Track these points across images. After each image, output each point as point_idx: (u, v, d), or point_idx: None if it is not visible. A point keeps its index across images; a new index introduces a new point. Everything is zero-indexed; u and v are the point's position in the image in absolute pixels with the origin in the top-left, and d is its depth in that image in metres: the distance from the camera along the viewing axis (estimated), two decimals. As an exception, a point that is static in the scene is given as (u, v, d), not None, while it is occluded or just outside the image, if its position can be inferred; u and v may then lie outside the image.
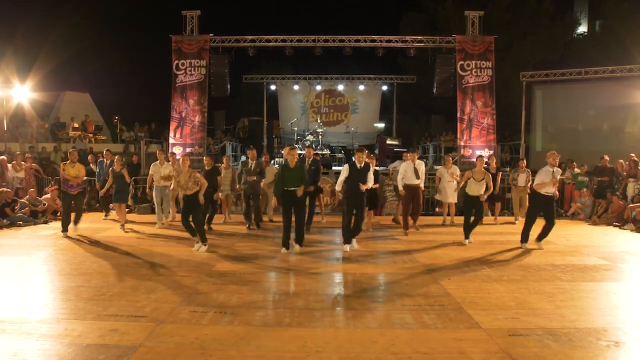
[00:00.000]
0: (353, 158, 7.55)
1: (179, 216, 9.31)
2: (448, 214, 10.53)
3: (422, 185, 9.09)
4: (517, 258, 6.93)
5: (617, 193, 10.78)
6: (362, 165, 7.36)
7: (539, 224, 7.58)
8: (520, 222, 10.57)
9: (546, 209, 7.52)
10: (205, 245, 7.37)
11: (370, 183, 7.58)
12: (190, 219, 7.47)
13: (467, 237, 8.04)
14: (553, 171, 7.39)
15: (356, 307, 4.70)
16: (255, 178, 9.45)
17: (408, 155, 9.34)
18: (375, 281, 5.79)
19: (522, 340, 3.86)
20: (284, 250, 7.28)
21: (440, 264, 6.53)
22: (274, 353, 3.62)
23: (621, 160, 11.31)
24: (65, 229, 8.63)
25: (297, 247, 7.35)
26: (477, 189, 7.96)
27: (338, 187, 7.55)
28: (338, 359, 3.54)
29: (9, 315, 4.35)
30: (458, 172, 10.27)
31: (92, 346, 3.69)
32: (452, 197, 10.14)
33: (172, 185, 8.76)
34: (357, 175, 7.32)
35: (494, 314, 4.46)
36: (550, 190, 7.40)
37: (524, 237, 7.66)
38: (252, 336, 3.93)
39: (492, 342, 3.81)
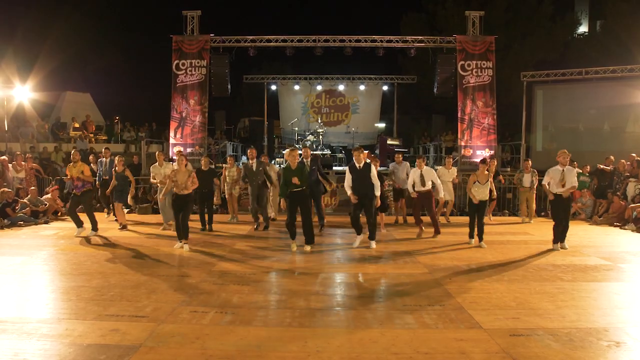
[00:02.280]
0: (353, 159, 7.55)
1: None
2: (443, 214, 10.69)
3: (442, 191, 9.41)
4: (518, 258, 6.92)
5: (618, 193, 10.78)
6: (361, 165, 7.34)
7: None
8: (528, 223, 10.56)
9: (562, 209, 7.44)
10: (186, 243, 7.39)
11: (378, 191, 7.45)
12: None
13: (471, 236, 8.04)
14: (563, 170, 7.34)
15: (357, 307, 4.70)
16: (263, 179, 9.38)
17: (416, 161, 9.33)
18: (376, 281, 5.78)
19: (523, 340, 3.86)
20: (293, 244, 7.31)
21: (440, 264, 6.53)
22: (275, 353, 3.62)
23: (623, 160, 11.32)
24: (79, 225, 8.61)
25: (307, 247, 7.32)
26: (482, 192, 7.92)
27: (349, 191, 7.51)
28: (339, 359, 3.54)
29: (9, 315, 4.35)
30: (455, 173, 10.48)
31: (93, 346, 3.69)
32: (449, 195, 10.37)
33: (163, 185, 8.85)
34: (359, 176, 7.32)
35: (495, 314, 4.46)
36: (560, 189, 7.34)
37: (555, 238, 7.54)
38: (252, 336, 3.93)
39: (493, 342, 3.81)
